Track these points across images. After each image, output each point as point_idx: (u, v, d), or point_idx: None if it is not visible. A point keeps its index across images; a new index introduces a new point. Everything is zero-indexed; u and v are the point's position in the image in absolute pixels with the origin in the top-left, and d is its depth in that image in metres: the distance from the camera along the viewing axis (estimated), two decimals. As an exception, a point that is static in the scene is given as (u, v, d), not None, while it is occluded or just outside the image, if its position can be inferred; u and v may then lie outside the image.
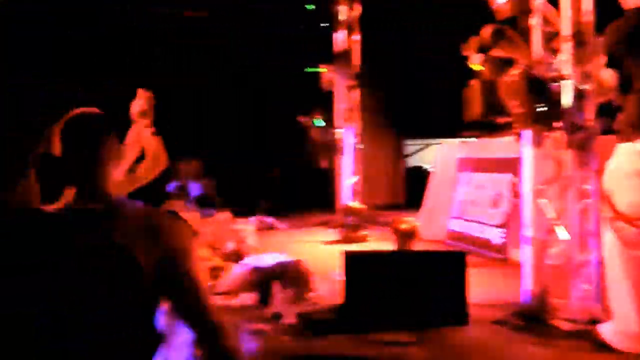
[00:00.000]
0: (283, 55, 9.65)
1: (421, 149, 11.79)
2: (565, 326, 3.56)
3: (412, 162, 11.79)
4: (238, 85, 10.16)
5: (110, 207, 1.29)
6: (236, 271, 4.34)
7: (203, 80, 9.81)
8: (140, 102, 2.57)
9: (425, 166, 10.78)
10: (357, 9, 8.44)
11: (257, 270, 4.18)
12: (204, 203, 7.29)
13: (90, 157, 1.31)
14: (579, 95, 3.64)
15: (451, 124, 8.02)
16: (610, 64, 3.44)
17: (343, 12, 8.44)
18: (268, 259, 4.41)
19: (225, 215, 6.64)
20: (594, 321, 3.53)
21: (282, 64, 9.56)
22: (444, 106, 9.71)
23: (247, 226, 6.30)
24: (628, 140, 3.14)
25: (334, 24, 8.46)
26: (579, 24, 3.70)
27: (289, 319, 3.47)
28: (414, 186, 10.06)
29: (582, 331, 3.48)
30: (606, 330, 3.31)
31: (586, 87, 3.64)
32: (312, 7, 8.46)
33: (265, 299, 3.90)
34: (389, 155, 11.30)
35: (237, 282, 4.22)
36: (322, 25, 8.61)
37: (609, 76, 3.37)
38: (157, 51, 9.48)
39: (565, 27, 3.69)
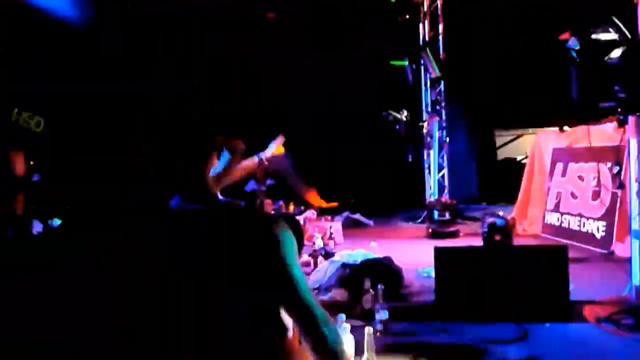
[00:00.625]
0: (366, 49, 9.57)
1: (513, 140, 11.34)
2: (680, 325, 3.31)
3: (504, 153, 11.36)
4: (323, 79, 10.19)
5: (219, 207, 1.32)
6: (326, 267, 4.35)
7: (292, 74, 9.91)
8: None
9: (518, 157, 10.36)
10: (440, 0, 8.27)
11: (347, 266, 4.18)
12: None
13: (201, 160, 1.34)
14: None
15: (544, 113, 7.66)
16: None
17: (425, 3, 8.29)
18: (358, 256, 4.40)
19: (312, 212, 6.71)
20: None
21: (366, 57, 9.49)
22: (537, 94, 9.29)
23: (334, 223, 6.32)
24: None
25: (418, 16, 8.33)
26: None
27: (382, 315, 3.43)
28: (505, 179, 9.70)
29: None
30: None
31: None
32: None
33: (356, 296, 3.89)
34: (478, 148, 10.95)
35: (328, 278, 4.23)
36: (401, 18, 8.47)
37: None
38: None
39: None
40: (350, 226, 7.93)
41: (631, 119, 3.65)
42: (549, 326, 3.42)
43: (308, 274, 4.50)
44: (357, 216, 8.39)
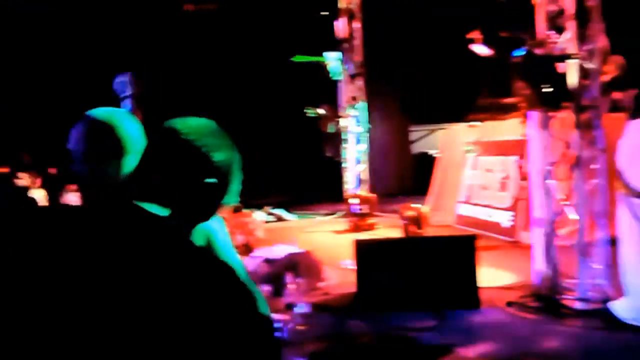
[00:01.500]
0: (285, 45, 9.60)
1: (426, 135, 11.75)
2: (578, 305, 3.57)
3: (418, 148, 11.75)
4: (241, 76, 10.12)
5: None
6: (247, 264, 4.35)
7: (208, 71, 9.79)
8: None
9: (431, 152, 10.73)
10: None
11: (268, 262, 4.20)
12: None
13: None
14: (585, 74, 3.63)
15: (456, 109, 7.98)
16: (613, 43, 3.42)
17: (343, 0, 8.41)
18: (278, 251, 4.43)
19: (232, 208, 6.65)
20: (606, 299, 3.54)
21: (284, 54, 9.51)
22: (449, 91, 9.67)
23: (256, 218, 6.32)
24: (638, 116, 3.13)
25: (336, 12, 8.43)
26: (583, 2, 3.68)
27: (303, 309, 3.48)
28: (420, 172, 10.04)
29: (595, 310, 3.49)
30: (619, 307, 3.31)
31: (591, 65, 3.63)
32: None
33: (278, 290, 3.92)
34: (396, 143, 11.27)
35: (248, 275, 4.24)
36: (321, 13, 8.56)
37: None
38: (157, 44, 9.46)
39: (570, 5, 3.67)
40: (271, 221, 7.95)
41: (533, 115, 3.90)
42: (461, 312, 3.59)
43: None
44: (278, 211, 8.43)
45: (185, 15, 9.70)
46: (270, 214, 8.22)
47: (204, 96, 9.46)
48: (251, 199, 9.29)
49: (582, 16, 3.66)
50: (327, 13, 8.41)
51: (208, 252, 1.56)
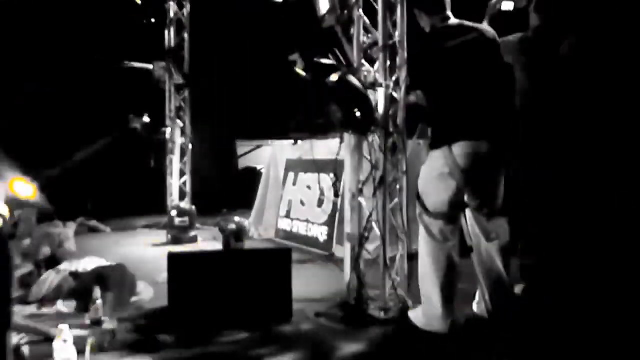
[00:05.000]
0: (110, 50, 9.14)
1: (253, 150, 11.92)
2: (380, 315, 3.86)
3: (245, 162, 11.87)
4: (65, 81, 9.42)
5: None
6: (51, 278, 4.05)
7: (26, 74, 8.96)
8: None
9: (258, 167, 10.90)
10: (187, 7, 8.34)
11: (74, 275, 3.95)
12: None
13: None
14: (391, 102, 3.98)
15: (281, 126, 8.21)
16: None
17: (172, 10, 8.28)
18: (87, 264, 4.18)
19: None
20: (405, 308, 3.88)
21: (109, 59, 9.05)
22: (275, 108, 9.91)
23: (65, 229, 5.90)
24: (436, 147, 3.51)
25: (165, 21, 8.26)
26: (392, 36, 4.04)
27: (110, 325, 3.32)
28: (246, 187, 10.14)
29: (395, 318, 3.81)
30: (415, 315, 3.66)
31: (397, 95, 3.99)
32: (139, 1, 8.13)
33: (84, 306, 3.69)
34: (221, 156, 11.27)
35: (52, 289, 3.94)
36: (150, 21, 8.32)
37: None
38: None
39: (381, 38, 4.01)
40: (85, 233, 7.48)
41: (346, 136, 4.17)
42: (274, 325, 3.69)
43: (30, 285, 4.13)
44: (93, 222, 7.95)
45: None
46: (84, 224, 7.72)
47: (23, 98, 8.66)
48: (65, 209, 8.65)
49: (391, 49, 4.02)
50: (153, 21, 8.19)
51: None
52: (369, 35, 4.14)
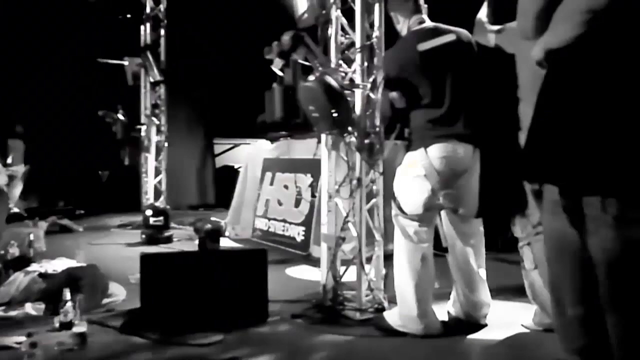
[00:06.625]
0: (83, 45, 8.99)
1: (230, 149, 11.83)
2: (356, 315, 3.85)
3: (222, 161, 11.78)
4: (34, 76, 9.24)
5: None
6: (20, 279, 3.95)
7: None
8: None
9: (235, 166, 10.85)
10: (164, 3, 8.25)
11: (43, 277, 3.85)
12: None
13: None
14: (368, 103, 3.96)
15: (259, 125, 8.15)
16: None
17: (149, 5, 8.17)
18: (57, 265, 4.09)
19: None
20: (381, 309, 3.87)
21: (83, 55, 8.90)
22: (253, 107, 9.83)
23: (35, 228, 5.77)
24: (412, 148, 3.50)
25: (141, 17, 8.15)
26: (370, 37, 4.03)
27: (80, 328, 3.24)
28: (223, 186, 10.06)
29: (371, 319, 3.79)
30: (391, 316, 3.64)
31: (374, 96, 3.97)
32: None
33: (54, 308, 3.61)
34: (197, 154, 11.16)
35: (20, 291, 3.85)
36: (125, 16, 8.19)
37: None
38: None
39: (358, 39, 3.99)
40: (56, 232, 7.34)
41: (323, 137, 4.14)
42: (250, 326, 3.65)
43: (-2, 287, 4.02)
44: (65, 221, 7.81)
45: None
46: (56, 224, 7.57)
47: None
48: (35, 207, 8.50)
49: (369, 50, 4.00)
50: (129, 16, 8.07)
51: None
52: (347, 36, 4.12)
